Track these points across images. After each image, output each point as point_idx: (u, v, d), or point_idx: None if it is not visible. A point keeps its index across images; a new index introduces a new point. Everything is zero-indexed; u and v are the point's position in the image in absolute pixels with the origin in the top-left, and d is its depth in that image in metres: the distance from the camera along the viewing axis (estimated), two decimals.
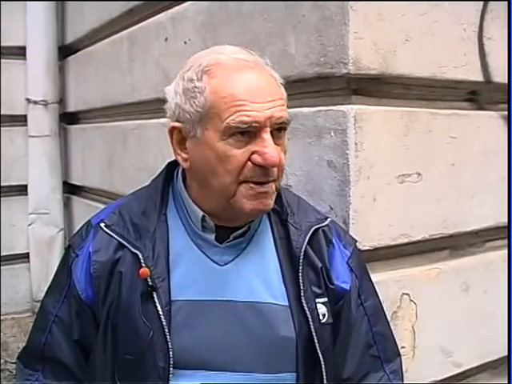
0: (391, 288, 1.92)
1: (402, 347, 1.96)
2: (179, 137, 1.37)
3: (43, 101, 3.99)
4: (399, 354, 1.59)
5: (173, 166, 1.51)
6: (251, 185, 1.31)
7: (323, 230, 1.49)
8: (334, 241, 1.50)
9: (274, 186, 1.35)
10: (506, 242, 2.32)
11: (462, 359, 2.15)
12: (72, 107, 4.12)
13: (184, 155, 1.37)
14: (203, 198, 1.40)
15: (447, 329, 2.10)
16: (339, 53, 1.80)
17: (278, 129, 1.32)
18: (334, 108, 1.85)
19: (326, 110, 1.87)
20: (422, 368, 2.01)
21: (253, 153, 1.29)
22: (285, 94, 1.37)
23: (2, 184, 4.05)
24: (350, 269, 1.49)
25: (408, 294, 1.97)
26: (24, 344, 1.55)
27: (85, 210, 3.86)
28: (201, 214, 1.40)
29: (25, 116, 4.05)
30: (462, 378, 2.21)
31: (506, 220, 2.26)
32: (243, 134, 1.28)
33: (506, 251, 2.29)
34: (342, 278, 1.47)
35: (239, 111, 1.27)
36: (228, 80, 1.30)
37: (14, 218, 4.11)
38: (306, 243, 1.42)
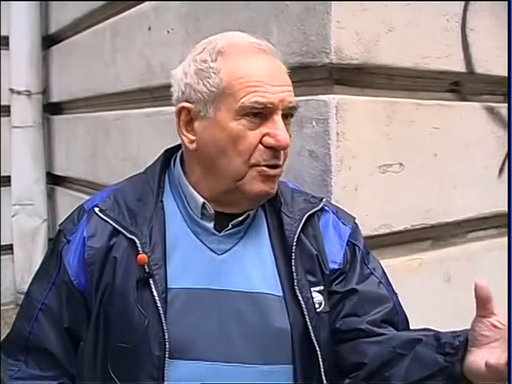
0: None
1: None
2: (187, 118, 1.36)
3: (27, 91, 3.95)
4: None
5: (169, 153, 1.50)
6: (262, 167, 1.31)
7: (317, 215, 1.48)
8: (328, 216, 1.49)
9: (280, 171, 1.36)
10: (488, 232, 2.34)
11: None
12: (56, 97, 4.09)
13: (191, 136, 1.36)
14: (206, 182, 1.38)
15: (429, 319, 2.08)
16: (321, 42, 1.80)
17: (286, 115, 1.33)
18: (316, 98, 1.84)
19: (307, 99, 1.86)
20: None
21: (264, 135, 1.29)
22: (291, 85, 1.38)
23: None
24: (351, 243, 1.47)
25: None
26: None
27: (69, 201, 3.84)
28: (201, 200, 1.38)
29: (8, 106, 4.01)
30: None
31: (488, 211, 2.27)
32: (256, 115, 1.29)
33: (487, 242, 2.30)
34: (333, 258, 1.44)
35: (255, 91, 1.27)
36: (243, 61, 1.31)
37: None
38: (298, 231, 1.41)
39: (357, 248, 1.48)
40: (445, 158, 2.09)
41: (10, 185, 4.06)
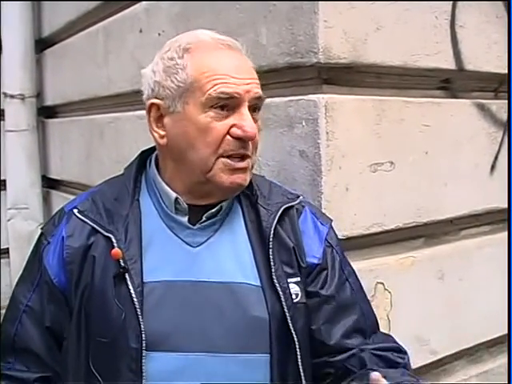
0: (365, 277, 1.90)
1: None
2: (157, 114, 1.41)
3: (20, 95, 3.94)
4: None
5: (145, 154, 1.55)
6: (229, 160, 1.36)
7: (296, 209, 1.51)
8: (306, 216, 1.52)
9: (250, 163, 1.40)
10: (480, 229, 2.34)
11: (438, 347, 2.16)
12: (50, 101, 4.09)
13: (161, 132, 1.41)
14: (178, 175, 1.42)
15: (423, 317, 2.11)
16: (309, 42, 1.80)
17: (254, 108, 1.39)
18: (305, 98, 1.84)
19: (297, 99, 1.87)
20: None
21: (232, 126, 1.35)
22: (258, 80, 1.43)
23: None
24: (328, 244, 1.50)
25: (382, 283, 1.97)
26: None
27: None
28: (174, 195, 1.42)
29: (2, 110, 4.01)
30: (439, 365, 2.22)
31: (480, 208, 2.27)
32: (223, 107, 1.34)
33: (480, 239, 2.31)
34: (312, 253, 1.48)
35: (220, 83, 1.33)
36: (209, 56, 1.37)
37: None
38: (275, 223, 1.44)
39: (335, 251, 1.51)
40: (436, 155, 2.08)
41: (5, 189, 4.06)
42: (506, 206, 2.33)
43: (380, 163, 1.93)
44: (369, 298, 1.90)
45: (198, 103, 1.35)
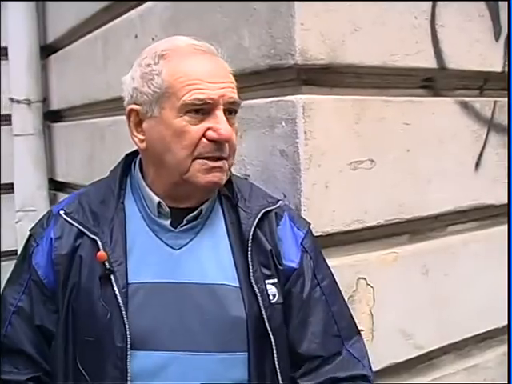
0: (346, 272, 1.96)
1: (361, 330, 2.00)
2: (136, 119, 1.46)
3: (26, 100, 4.02)
4: (359, 333, 1.64)
5: (130, 158, 1.59)
6: (205, 160, 1.40)
7: (276, 213, 1.55)
8: (285, 222, 1.56)
9: (226, 164, 1.44)
10: (466, 226, 2.36)
11: (423, 341, 2.19)
12: (55, 105, 4.16)
13: (141, 136, 1.46)
14: (159, 178, 1.47)
15: (407, 311, 2.14)
16: (287, 44, 1.84)
17: (230, 111, 1.43)
18: (285, 98, 1.89)
19: (277, 100, 1.91)
20: (381, 350, 2.04)
21: (207, 129, 1.39)
22: (235, 83, 1.46)
23: None
24: (303, 249, 1.55)
25: (364, 278, 2.01)
26: None
27: None
28: (157, 200, 1.47)
29: (9, 115, 4.08)
30: (426, 359, 2.26)
31: (466, 204, 2.30)
32: (198, 111, 1.39)
33: (466, 235, 2.33)
34: (290, 257, 1.53)
35: (194, 89, 1.38)
36: (183, 62, 1.42)
37: (1, 216, 4.15)
38: (254, 226, 1.49)
39: (309, 257, 1.55)
40: (418, 153, 2.12)
41: (12, 191, 4.14)
42: (492, 202, 2.37)
43: (360, 161, 1.97)
44: (350, 293, 1.96)
45: (173, 108, 1.39)
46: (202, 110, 1.39)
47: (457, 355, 2.35)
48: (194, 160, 1.40)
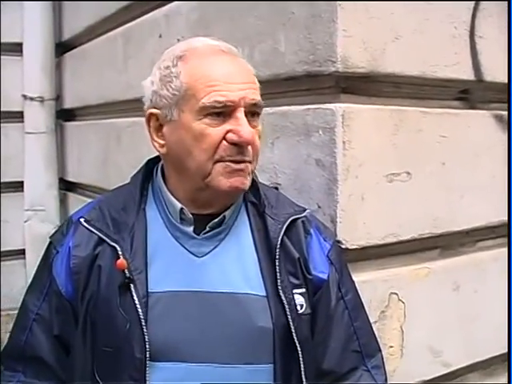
0: (379, 287, 1.92)
1: (390, 347, 1.96)
2: (156, 124, 1.41)
3: (39, 97, 3.98)
4: (380, 350, 1.59)
5: (151, 163, 1.55)
6: (227, 163, 1.35)
7: (302, 222, 1.51)
8: (312, 232, 1.51)
9: (249, 167, 1.39)
10: (496, 241, 2.32)
11: (451, 359, 2.14)
12: (68, 104, 4.12)
13: (161, 141, 1.41)
14: (180, 184, 1.43)
15: (436, 328, 2.10)
16: (327, 51, 1.80)
17: (252, 114, 1.38)
18: (323, 106, 1.84)
19: (314, 108, 1.86)
20: (411, 368, 2.00)
21: (228, 132, 1.34)
22: (257, 84, 1.42)
23: None
24: (329, 262, 1.50)
25: (396, 294, 1.96)
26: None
27: None
28: (179, 206, 1.42)
29: (21, 112, 4.04)
30: (452, 377, 2.21)
31: (496, 220, 2.26)
32: (218, 114, 1.34)
33: (496, 251, 2.29)
34: (320, 268, 1.48)
35: (214, 91, 1.33)
36: (202, 63, 1.37)
37: (10, 214, 4.10)
38: (282, 233, 1.44)
39: (334, 269, 1.51)
40: (453, 166, 2.07)
41: (22, 190, 4.09)
42: None
43: (396, 173, 1.92)
44: (382, 308, 1.91)
45: (193, 111, 1.34)
46: (222, 112, 1.34)
47: (482, 374, 2.30)
48: (215, 163, 1.35)
